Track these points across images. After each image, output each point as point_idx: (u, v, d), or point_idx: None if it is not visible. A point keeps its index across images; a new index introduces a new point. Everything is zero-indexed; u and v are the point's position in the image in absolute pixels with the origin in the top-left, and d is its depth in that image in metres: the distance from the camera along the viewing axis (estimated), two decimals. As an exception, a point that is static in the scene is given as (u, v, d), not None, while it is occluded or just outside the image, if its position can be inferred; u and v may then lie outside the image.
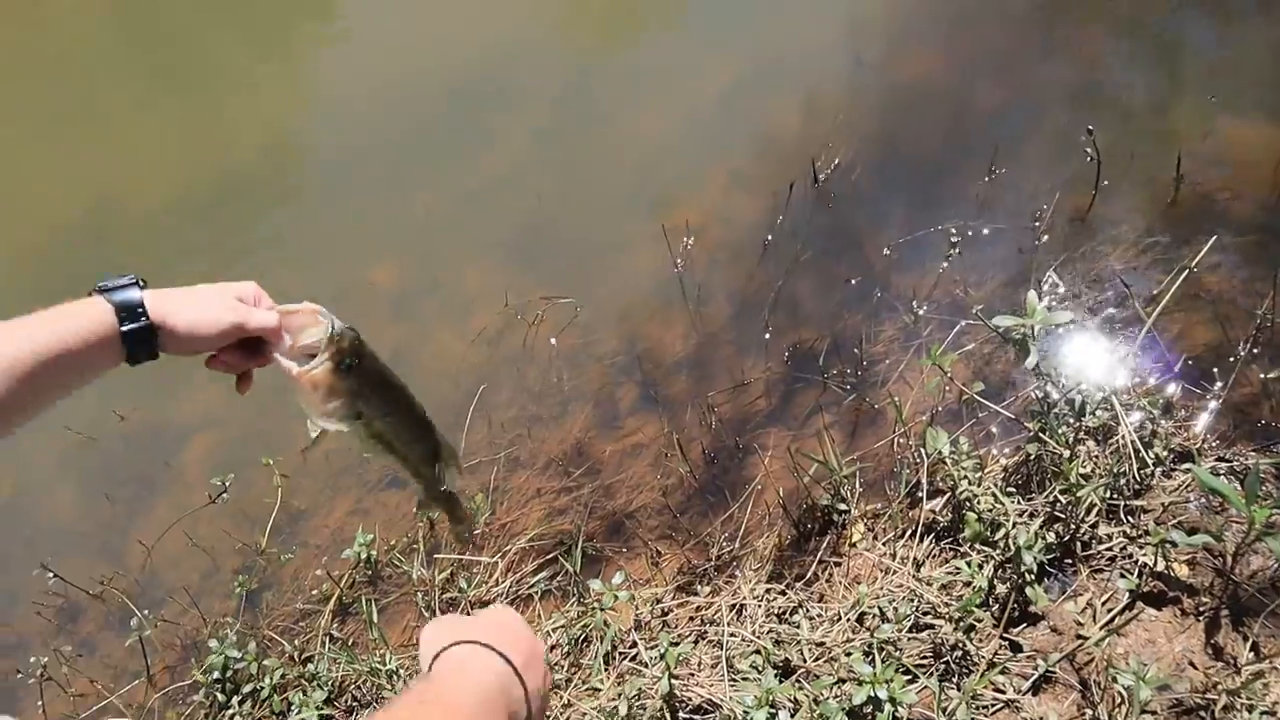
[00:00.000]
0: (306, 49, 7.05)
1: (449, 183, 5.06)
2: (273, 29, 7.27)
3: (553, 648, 3.06)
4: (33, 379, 1.37)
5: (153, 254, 5.46)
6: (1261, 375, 3.01)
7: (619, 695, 2.65)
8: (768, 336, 3.73)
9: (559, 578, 3.32)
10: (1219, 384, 3.01)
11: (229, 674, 3.31)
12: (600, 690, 2.77)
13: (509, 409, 3.94)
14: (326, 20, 7.06)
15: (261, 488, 4.09)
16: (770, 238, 4.05)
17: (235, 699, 3.26)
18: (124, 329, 1.43)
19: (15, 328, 1.37)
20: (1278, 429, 2.91)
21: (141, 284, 1.47)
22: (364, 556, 3.56)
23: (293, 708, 3.15)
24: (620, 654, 2.92)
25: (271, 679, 3.24)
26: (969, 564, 2.64)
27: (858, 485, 3.11)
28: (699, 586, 3.08)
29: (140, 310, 1.45)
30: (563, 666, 2.96)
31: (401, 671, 3.13)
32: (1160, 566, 2.56)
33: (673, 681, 2.59)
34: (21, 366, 1.35)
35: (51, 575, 3.98)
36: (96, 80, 7.05)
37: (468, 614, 3.14)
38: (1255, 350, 3.07)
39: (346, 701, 3.18)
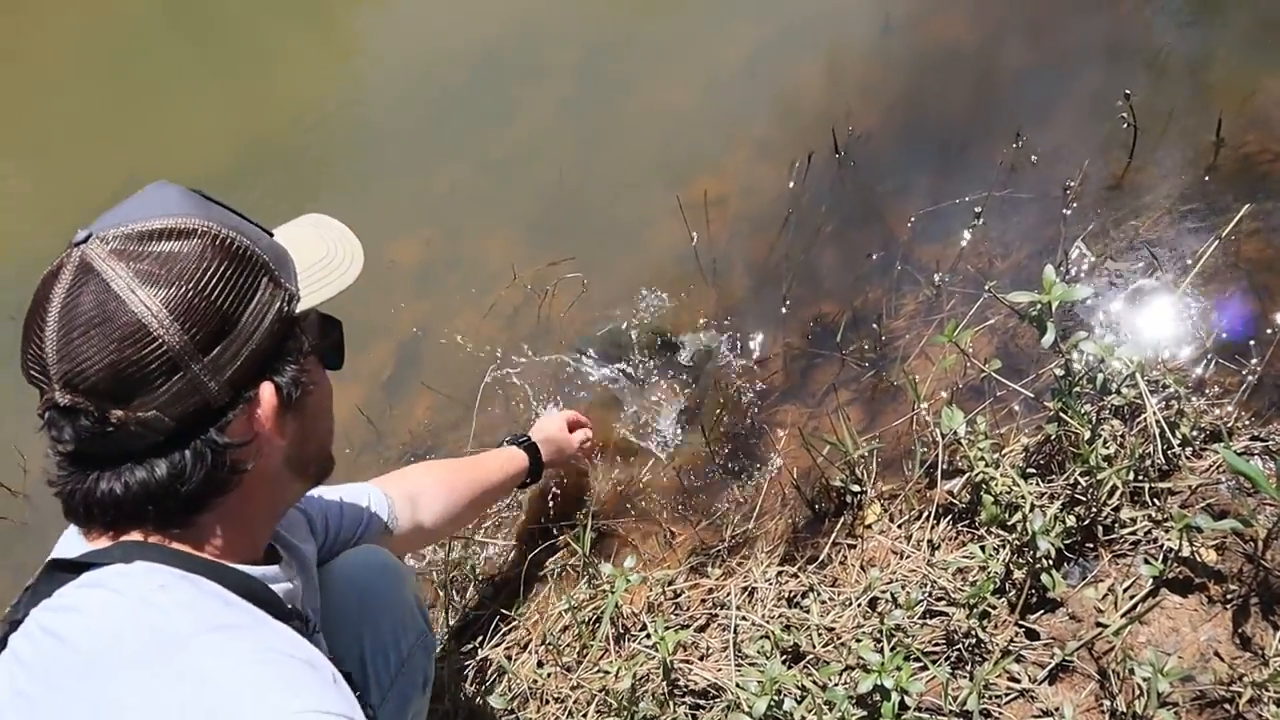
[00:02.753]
0: (336, 20, 7.01)
1: (471, 156, 5.01)
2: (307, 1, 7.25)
3: (564, 629, 3.03)
4: (477, 505, 2.82)
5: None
6: (1301, 350, 2.86)
7: (627, 673, 2.62)
8: (785, 310, 3.64)
9: (573, 559, 3.28)
10: (1255, 359, 2.87)
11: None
12: (608, 673, 2.73)
13: (523, 385, 3.89)
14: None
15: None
16: (790, 209, 3.94)
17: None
18: (531, 465, 2.98)
19: (473, 467, 2.81)
20: (1318, 407, 2.77)
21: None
22: (380, 535, 3.56)
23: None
24: (630, 636, 2.89)
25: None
26: (984, 548, 2.55)
27: (874, 465, 3.03)
28: (711, 568, 3.03)
29: (538, 451, 3.01)
30: (573, 648, 2.93)
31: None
32: (1186, 551, 2.46)
33: (673, 665, 2.55)
34: (480, 496, 2.81)
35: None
36: (130, 51, 7.08)
37: (480, 597, 3.14)
38: (1295, 324, 2.92)
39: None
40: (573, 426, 3.12)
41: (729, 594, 2.86)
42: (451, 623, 3.24)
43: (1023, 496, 2.54)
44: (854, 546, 2.86)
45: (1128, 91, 3.44)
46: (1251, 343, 2.92)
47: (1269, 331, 2.92)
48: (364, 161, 5.41)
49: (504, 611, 3.19)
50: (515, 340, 4.06)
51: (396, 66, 5.90)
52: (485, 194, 4.78)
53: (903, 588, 2.59)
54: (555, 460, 3.01)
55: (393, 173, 5.24)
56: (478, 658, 3.06)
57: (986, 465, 2.64)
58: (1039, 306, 2.44)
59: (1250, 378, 2.82)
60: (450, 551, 3.43)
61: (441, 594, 3.34)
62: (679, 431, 3.48)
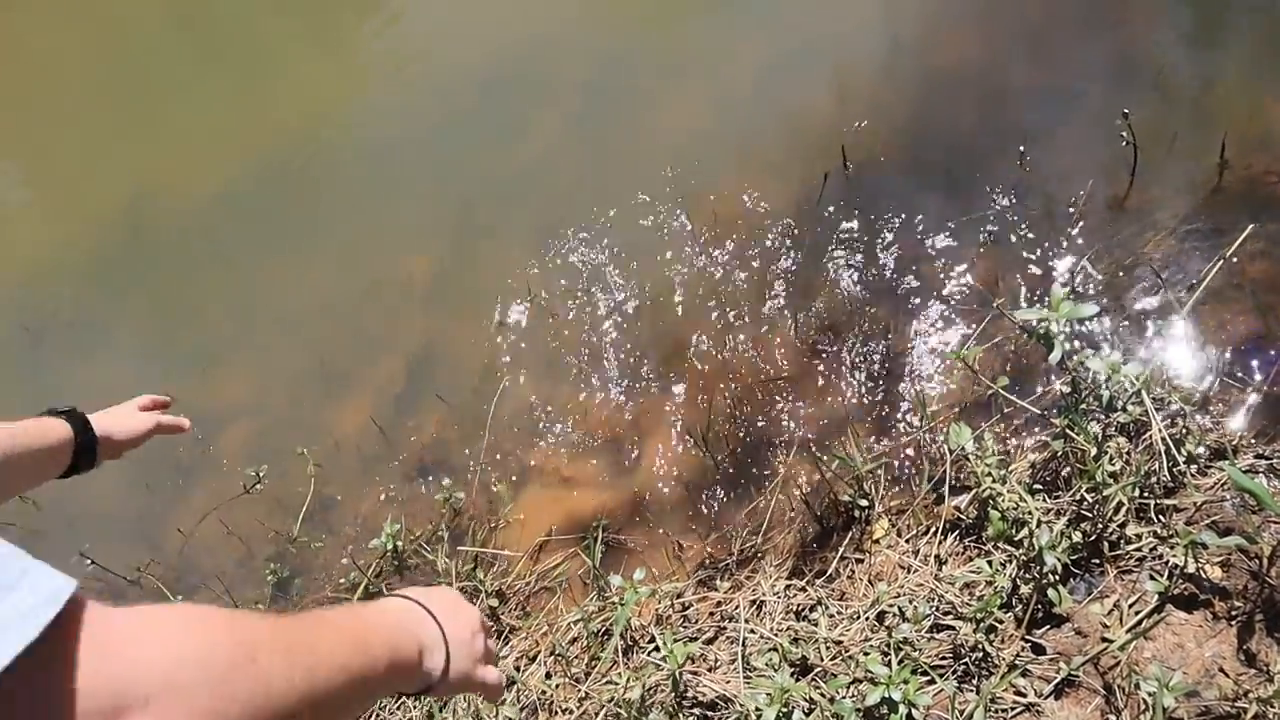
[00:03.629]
0: (348, 36, 7.07)
1: (482, 172, 5.05)
2: (318, 14, 7.31)
3: (573, 640, 3.06)
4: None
5: (186, 248, 5.56)
6: (1305, 369, 2.89)
7: (636, 683, 2.64)
8: (794, 326, 3.68)
9: (582, 570, 3.32)
10: (1259, 377, 2.90)
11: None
12: (616, 684, 2.75)
13: (534, 399, 3.93)
14: (372, 8, 7.06)
15: (296, 476, 4.15)
16: (799, 226, 3.98)
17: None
18: (79, 439, 1.77)
19: None
20: (1322, 426, 2.79)
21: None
22: (390, 546, 3.59)
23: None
24: (639, 649, 2.91)
25: (298, 667, 3.28)
26: (990, 563, 2.58)
27: (882, 480, 3.06)
28: (719, 581, 3.06)
29: (88, 425, 1.82)
30: (582, 660, 2.96)
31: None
32: (1191, 568, 2.48)
33: (682, 677, 2.57)
34: None
35: (90, 562, 4.09)
36: (141, 63, 7.16)
37: (490, 609, 3.16)
38: (1299, 343, 2.95)
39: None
40: (149, 408, 2.09)
41: (737, 607, 2.88)
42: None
43: (1029, 512, 2.57)
44: (861, 561, 2.89)
45: (1125, 111, 3.48)
46: (1255, 362, 2.95)
47: (1272, 352, 2.95)
48: (374, 175, 5.45)
49: (512, 624, 3.23)
50: (526, 355, 4.11)
51: (408, 82, 5.96)
52: (497, 211, 4.82)
53: (910, 602, 2.61)
54: (114, 442, 1.96)
55: (404, 187, 5.29)
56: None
57: (994, 481, 2.67)
58: (1047, 323, 2.47)
59: (1254, 396, 2.85)
60: (460, 563, 3.46)
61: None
62: (687, 443, 3.50)
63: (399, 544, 3.61)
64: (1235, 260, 3.07)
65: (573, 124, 5.08)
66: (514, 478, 3.72)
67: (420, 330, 4.50)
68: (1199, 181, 3.46)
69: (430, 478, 3.91)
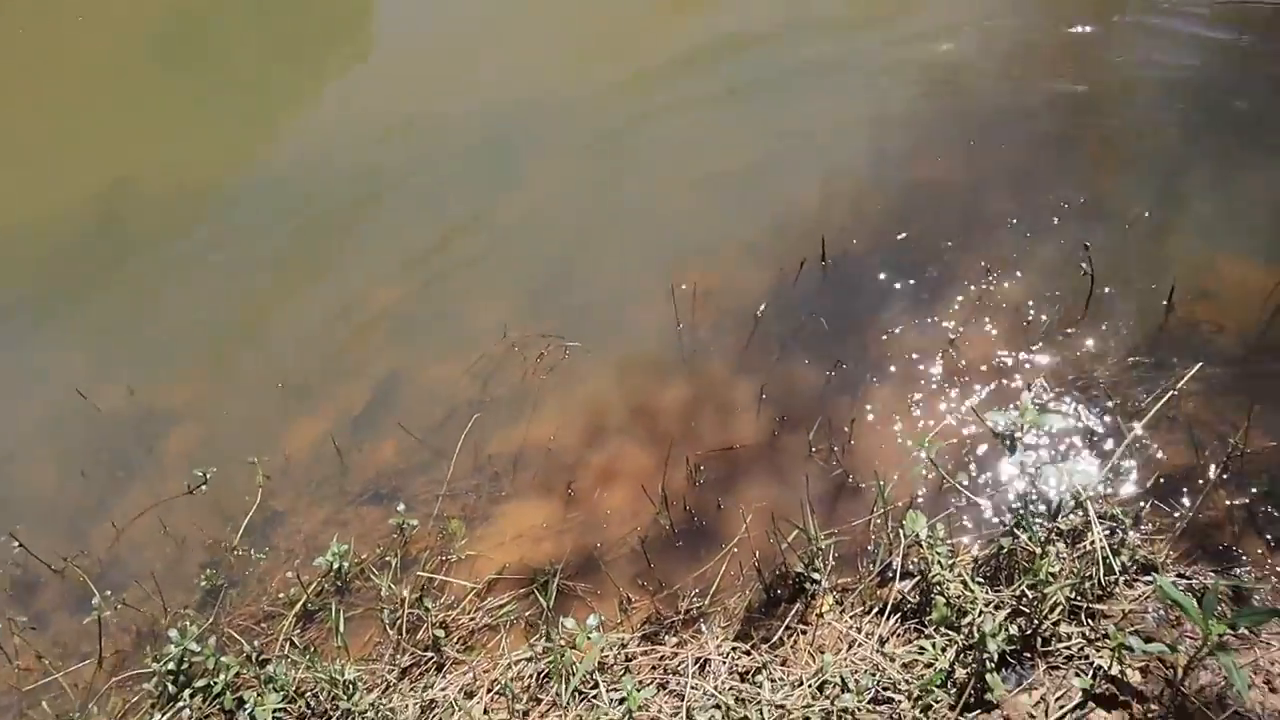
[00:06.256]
0: (344, 71, 7.18)
1: (471, 216, 5.15)
2: (314, 52, 7.42)
3: (515, 679, 3.09)
4: None
5: (158, 244, 5.55)
6: (1228, 501, 3.13)
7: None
8: (761, 402, 3.83)
9: (530, 611, 3.36)
10: (1186, 503, 3.12)
11: (184, 666, 3.31)
12: (559, 725, 2.80)
13: (498, 442, 4.00)
14: (364, 44, 7.21)
15: (240, 485, 4.12)
16: (774, 309, 4.17)
17: (186, 692, 3.26)
18: None
19: None
20: (1237, 554, 3.02)
21: None
22: (336, 566, 3.59)
23: (244, 706, 3.15)
24: (580, 694, 2.96)
25: (226, 676, 3.25)
26: (933, 645, 2.71)
27: (832, 558, 3.19)
28: (665, 636, 3.13)
29: None
30: (521, 699, 2.99)
31: (359, 683, 3.15)
32: (1115, 670, 2.65)
33: (634, 723, 2.63)
34: None
35: (17, 545, 3.98)
36: (138, 94, 7.17)
37: (434, 639, 3.18)
38: (1225, 476, 3.19)
39: (300, 708, 3.18)
40: None
41: (683, 662, 2.96)
42: (401, 661, 3.28)
43: (974, 601, 2.72)
44: (805, 632, 3.00)
45: (1087, 244, 3.78)
46: (1185, 489, 3.18)
47: (1200, 482, 3.19)
48: (358, 203, 5.51)
49: (455, 656, 3.25)
50: (494, 397, 4.18)
51: (403, 122, 6.04)
52: (479, 254, 4.92)
53: (853, 674, 2.73)
54: None
55: (386, 218, 5.36)
56: (425, 698, 3.09)
57: (943, 569, 2.82)
58: (1013, 428, 2.65)
59: (1181, 522, 3.06)
60: (409, 589, 3.48)
61: (391, 632, 3.38)
62: (645, 501, 3.59)
63: (344, 564, 3.61)
64: (1176, 394, 3.31)
65: (565, 182, 5.22)
66: (470, 514, 3.77)
67: (387, 360, 4.54)
68: (1147, 319, 3.75)
69: (383, 504, 3.92)
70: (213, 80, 7.07)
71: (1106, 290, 3.83)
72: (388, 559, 3.65)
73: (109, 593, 3.77)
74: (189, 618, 3.66)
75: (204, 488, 4.07)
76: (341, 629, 3.37)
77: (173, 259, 5.47)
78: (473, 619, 3.39)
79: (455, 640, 3.33)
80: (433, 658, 3.28)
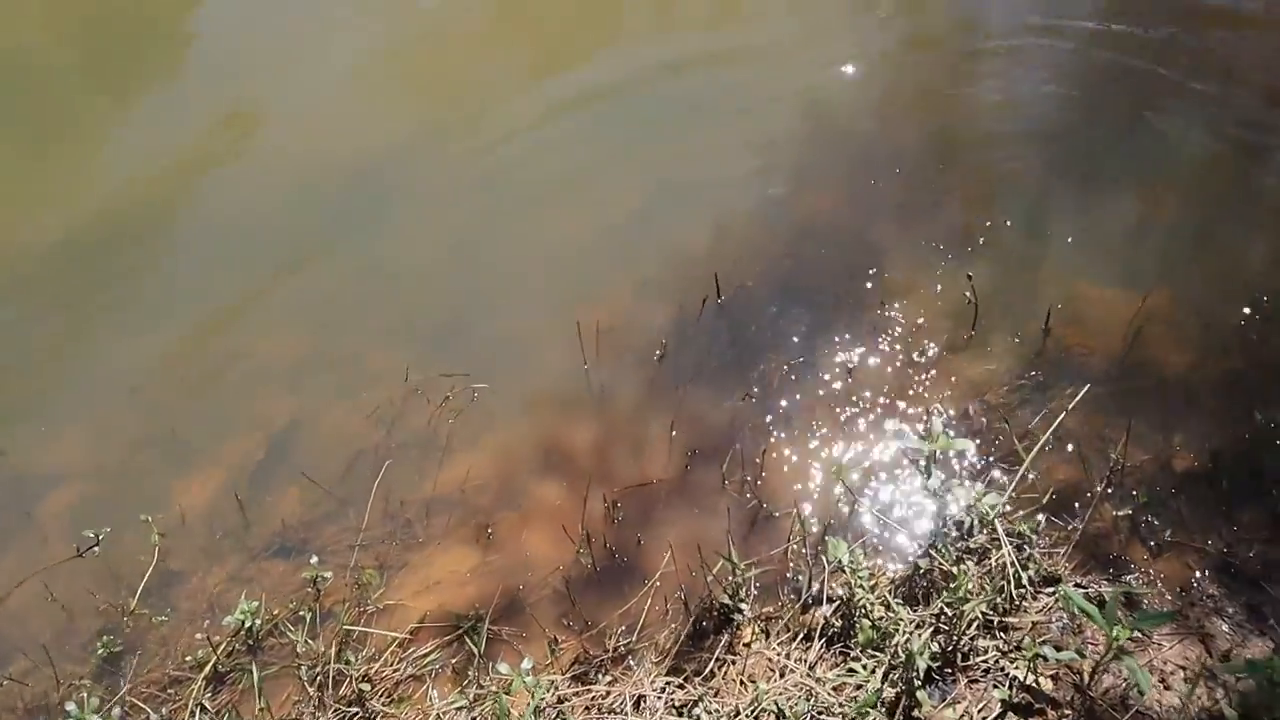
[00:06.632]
0: (212, 114, 6.91)
1: (355, 262, 5.04)
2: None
3: (448, 729, 3.06)
4: None
5: (23, 295, 5.25)
6: (1114, 512, 3.38)
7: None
8: (672, 437, 3.90)
9: (456, 658, 3.33)
10: (1078, 518, 3.35)
11: (83, 740, 3.13)
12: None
13: (408, 487, 3.94)
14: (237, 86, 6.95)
15: (133, 546, 3.93)
16: (675, 345, 4.26)
17: (90, 768, 3.09)
18: None
19: None
20: (1125, 561, 3.26)
21: None
22: (246, 624, 3.46)
23: (157, 779, 3.01)
24: (515, 739, 2.95)
25: (135, 748, 3.10)
26: (862, 667, 2.82)
27: (753, 588, 3.28)
28: (597, 676, 3.15)
29: None
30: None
31: (279, 747, 3.06)
32: (1030, 680, 2.82)
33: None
34: None
35: (-117, 621, 3.70)
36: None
37: (359, 692, 3.11)
38: (1109, 490, 3.44)
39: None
40: None
41: (618, 699, 2.99)
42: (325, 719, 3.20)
43: (898, 622, 2.85)
44: (735, 662, 3.07)
45: (970, 274, 4.03)
46: (1075, 503, 3.41)
47: (1088, 495, 3.43)
48: (233, 247, 5.26)
49: (383, 710, 3.18)
50: (401, 442, 4.12)
51: (278, 167, 5.82)
52: (368, 299, 4.84)
53: (788, 701, 2.81)
54: None
55: (267, 261, 5.17)
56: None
57: (865, 592, 2.95)
58: (926, 452, 2.80)
59: (1075, 534, 3.28)
60: (328, 643, 3.39)
61: (311, 689, 3.29)
62: (564, 540, 3.61)
63: (256, 622, 3.49)
64: (1058, 413, 3.55)
65: (447, 225, 5.16)
66: (385, 563, 3.70)
67: (284, 408, 4.41)
68: (1027, 344, 4.01)
69: (291, 557, 3.82)
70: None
71: (988, 317, 4.08)
72: (301, 614, 3.55)
73: (-7, 669, 3.54)
74: (84, 688, 3.47)
75: (95, 549, 3.86)
76: (260, 688, 3.25)
77: (38, 309, 5.18)
78: (397, 670, 3.34)
79: (381, 694, 3.26)
80: (358, 713, 3.21)
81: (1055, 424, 3.44)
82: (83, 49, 7.31)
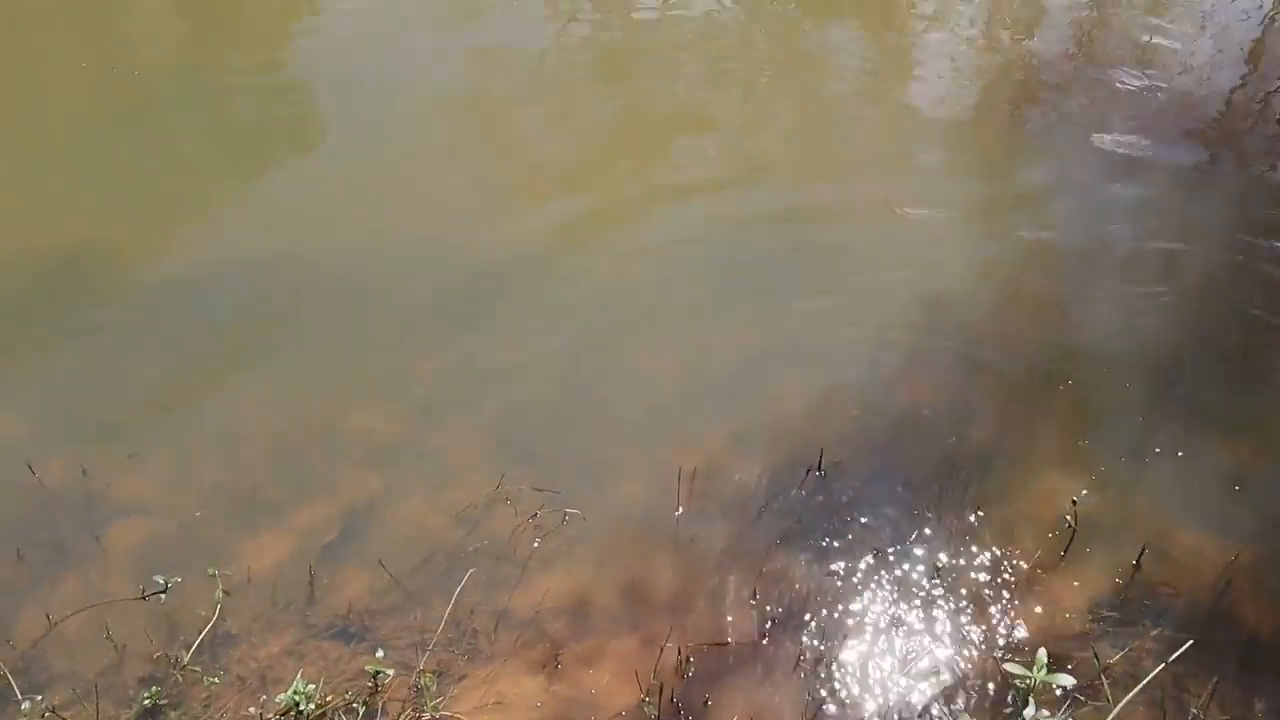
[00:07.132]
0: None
1: (461, 355, 5.14)
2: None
3: None
4: None
5: (123, 317, 5.39)
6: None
7: None
8: (753, 600, 3.88)
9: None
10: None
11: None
12: None
13: (481, 596, 3.92)
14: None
15: (190, 595, 3.93)
16: (767, 507, 4.27)
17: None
18: None
19: None
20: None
21: None
22: (300, 706, 3.42)
23: None
24: None
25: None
26: None
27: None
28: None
29: None
30: None
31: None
32: None
33: None
34: None
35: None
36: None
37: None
38: (1190, 747, 3.37)
39: None
40: None
41: None
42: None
43: None
44: None
45: (1075, 499, 4.04)
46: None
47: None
48: (344, 319, 5.42)
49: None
50: (480, 548, 4.11)
51: (408, 247, 5.99)
52: (463, 394, 4.91)
53: None
54: None
55: (366, 335, 5.28)
56: None
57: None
58: (1028, 681, 2.78)
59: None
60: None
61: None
62: (634, 686, 3.56)
63: (311, 706, 3.45)
64: (1152, 660, 3.50)
65: (550, 335, 5.26)
66: (446, 670, 3.66)
67: (366, 488, 4.43)
68: (1117, 575, 3.98)
69: (350, 642, 3.79)
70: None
71: (1083, 543, 4.07)
72: (354, 705, 3.50)
73: (39, 695, 3.52)
74: (124, 735, 3.44)
75: (162, 596, 3.86)
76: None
77: (137, 334, 5.30)
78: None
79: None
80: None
81: (1155, 673, 3.38)
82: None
